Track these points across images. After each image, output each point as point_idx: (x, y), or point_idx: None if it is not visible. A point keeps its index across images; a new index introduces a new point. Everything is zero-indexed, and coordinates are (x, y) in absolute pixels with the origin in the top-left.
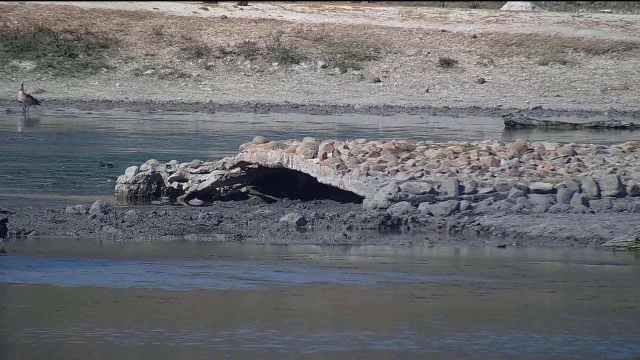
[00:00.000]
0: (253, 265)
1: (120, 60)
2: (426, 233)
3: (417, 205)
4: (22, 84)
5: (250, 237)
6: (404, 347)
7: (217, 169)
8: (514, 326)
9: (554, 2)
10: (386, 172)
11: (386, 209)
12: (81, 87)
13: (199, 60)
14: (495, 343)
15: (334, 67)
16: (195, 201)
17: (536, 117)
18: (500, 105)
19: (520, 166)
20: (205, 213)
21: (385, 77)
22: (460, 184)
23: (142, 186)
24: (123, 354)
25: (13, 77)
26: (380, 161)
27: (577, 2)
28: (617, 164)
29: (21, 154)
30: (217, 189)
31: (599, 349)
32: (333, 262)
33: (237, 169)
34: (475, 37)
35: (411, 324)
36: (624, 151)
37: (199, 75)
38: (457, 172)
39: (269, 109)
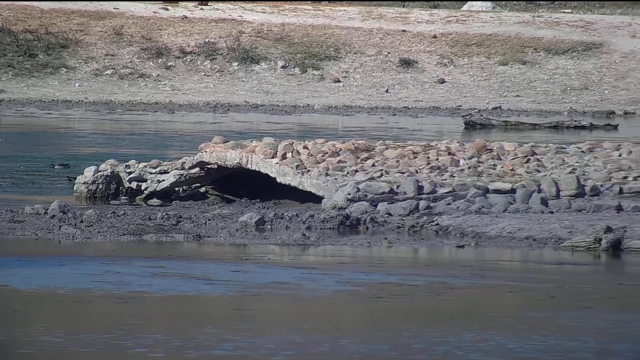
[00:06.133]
0: (212, 266)
1: (80, 60)
2: (385, 233)
3: (376, 206)
4: None
5: (209, 237)
6: (365, 347)
7: (176, 169)
8: (473, 326)
9: (515, 2)
10: (345, 173)
11: (345, 209)
12: (41, 87)
13: (159, 60)
14: (454, 343)
15: (294, 67)
16: (154, 201)
17: (496, 117)
18: (460, 105)
19: (479, 166)
20: (164, 213)
21: (345, 77)
22: (419, 184)
23: (101, 186)
24: (80, 355)
25: None
26: (339, 161)
27: (538, 2)
28: (576, 164)
29: None
30: (176, 189)
31: (557, 348)
32: (292, 262)
33: (196, 169)
34: (435, 37)
35: (370, 325)
36: (583, 151)
37: (158, 75)
38: (416, 172)
39: (228, 109)
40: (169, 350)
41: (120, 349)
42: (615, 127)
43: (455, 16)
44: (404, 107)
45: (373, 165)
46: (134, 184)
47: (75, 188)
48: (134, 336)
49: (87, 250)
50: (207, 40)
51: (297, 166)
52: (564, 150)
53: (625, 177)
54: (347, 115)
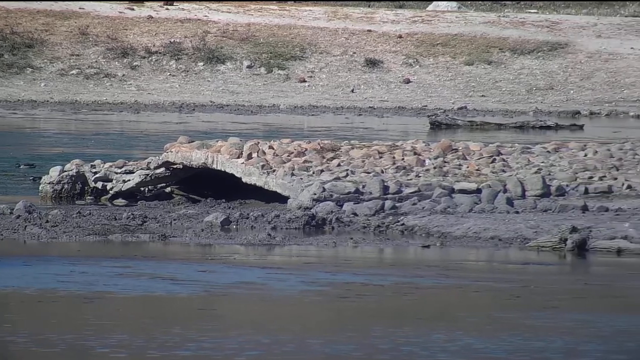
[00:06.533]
0: (177, 266)
1: (45, 60)
2: (350, 233)
3: (341, 206)
4: None
5: (174, 237)
6: (331, 347)
7: (141, 169)
8: (439, 326)
9: (480, 2)
10: (311, 172)
11: (311, 209)
12: (6, 87)
13: (125, 60)
14: (420, 343)
15: (259, 67)
16: (120, 201)
17: (461, 117)
18: (426, 105)
19: (445, 166)
20: (129, 213)
21: (311, 77)
22: (385, 184)
23: (66, 186)
24: (43, 356)
25: None
26: (305, 161)
27: (503, 2)
28: (541, 164)
29: None
30: (142, 189)
31: (524, 348)
32: (258, 262)
33: (162, 169)
34: (401, 37)
35: (336, 325)
36: (548, 151)
37: (124, 75)
38: (382, 172)
39: (194, 109)
40: (132, 351)
41: (84, 349)
42: (581, 127)
43: (421, 16)
44: (370, 107)
45: (339, 165)
46: (99, 184)
47: (40, 188)
48: (98, 336)
49: (52, 250)
50: (172, 40)
51: (263, 166)
52: (530, 150)
53: (591, 177)
54: (312, 115)
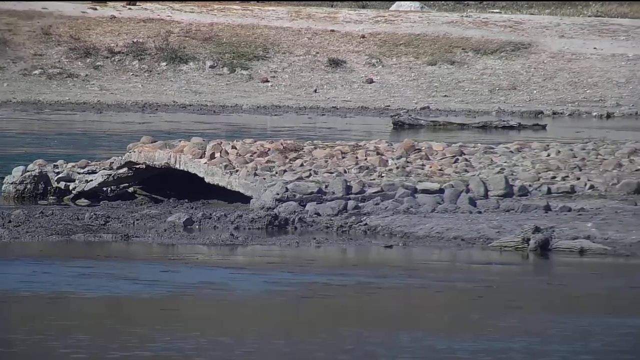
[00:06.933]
0: (140, 266)
1: (8, 60)
2: (313, 233)
3: (304, 206)
4: None
5: (137, 237)
6: (293, 347)
7: (104, 169)
8: (402, 327)
9: (443, 2)
10: (274, 172)
11: (273, 209)
12: None
13: (87, 60)
14: (382, 344)
15: (222, 67)
16: (82, 201)
17: (424, 117)
18: (389, 105)
19: (407, 166)
20: (92, 213)
21: (274, 77)
22: (348, 184)
23: (29, 186)
24: (6, 357)
25: None
26: (268, 161)
27: (466, 2)
28: (504, 164)
29: None
30: (105, 189)
31: (486, 349)
32: (220, 262)
33: (125, 169)
34: (364, 37)
35: (299, 325)
36: (511, 151)
37: (87, 75)
38: (345, 172)
39: (157, 109)
40: (92, 351)
41: (44, 349)
42: (544, 127)
43: (384, 16)
44: (333, 107)
45: (302, 165)
46: (62, 184)
47: (3, 188)
48: (60, 337)
49: (14, 251)
50: (135, 40)
51: (226, 166)
52: (492, 150)
53: (554, 177)
54: (275, 115)
